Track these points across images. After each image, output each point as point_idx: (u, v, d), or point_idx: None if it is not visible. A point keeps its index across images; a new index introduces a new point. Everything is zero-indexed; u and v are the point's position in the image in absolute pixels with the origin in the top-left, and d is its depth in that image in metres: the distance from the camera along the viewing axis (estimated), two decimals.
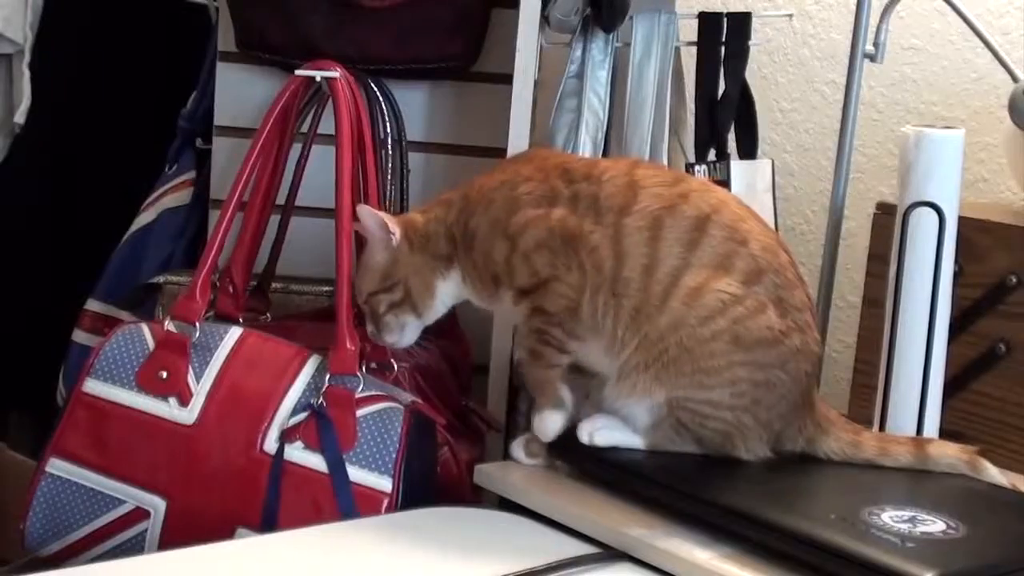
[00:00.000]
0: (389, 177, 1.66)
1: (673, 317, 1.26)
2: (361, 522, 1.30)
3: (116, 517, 1.36)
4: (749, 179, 1.73)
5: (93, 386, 1.38)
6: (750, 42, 1.70)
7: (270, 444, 1.35)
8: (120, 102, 1.99)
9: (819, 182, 1.95)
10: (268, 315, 1.57)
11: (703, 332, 1.25)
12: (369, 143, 1.53)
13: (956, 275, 1.42)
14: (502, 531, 1.24)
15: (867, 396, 1.56)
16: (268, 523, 1.33)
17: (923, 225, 1.38)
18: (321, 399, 1.36)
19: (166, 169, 1.84)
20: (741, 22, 1.70)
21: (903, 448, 1.30)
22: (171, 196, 1.81)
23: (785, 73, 1.98)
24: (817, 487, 1.26)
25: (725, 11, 1.72)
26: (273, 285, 1.62)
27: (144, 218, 1.81)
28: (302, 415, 1.35)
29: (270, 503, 1.34)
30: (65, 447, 1.38)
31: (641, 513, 1.21)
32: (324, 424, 1.35)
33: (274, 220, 1.56)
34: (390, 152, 1.67)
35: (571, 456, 1.30)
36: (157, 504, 1.36)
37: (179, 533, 1.34)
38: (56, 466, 1.37)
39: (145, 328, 1.41)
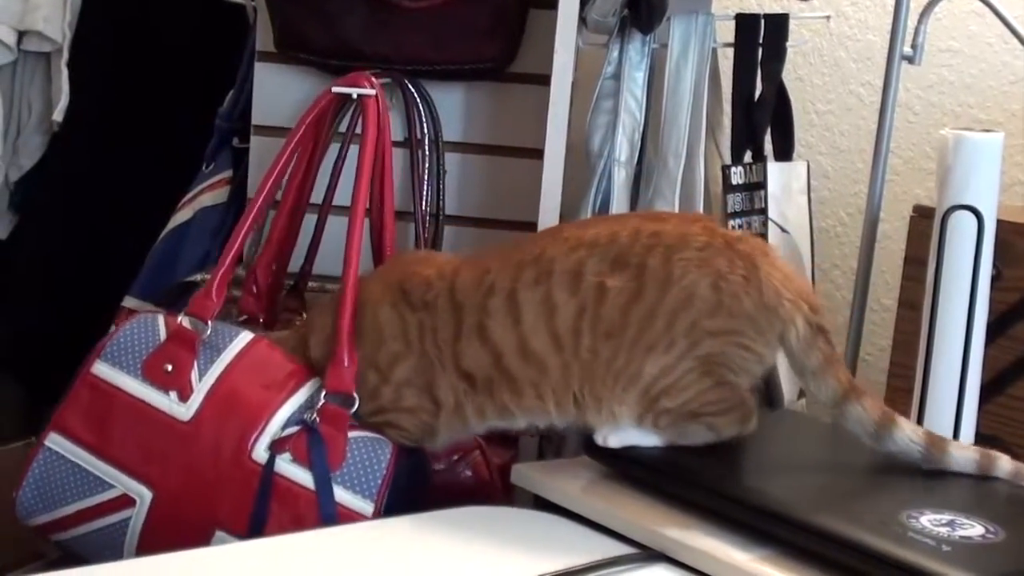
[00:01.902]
0: (426, 178, 1.67)
1: (557, 372, 1.28)
2: (398, 520, 1.30)
3: (104, 500, 1.37)
4: (785, 181, 1.73)
5: (101, 368, 1.39)
6: (787, 43, 1.70)
7: (259, 453, 1.35)
8: (157, 101, 2.00)
9: (854, 184, 1.94)
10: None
11: (584, 360, 1.27)
12: (388, 162, 1.54)
13: (994, 278, 1.42)
14: (539, 531, 1.24)
15: (902, 400, 1.55)
16: (255, 533, 1.34)
17: (961, 228, 1.37)
18: (315, 415, 1.36)
19: (203, 167, 1.84)
20: (778, 24, 1.70)
21: (872, 405, 1.25)
22: (208, 194, 1.82)
23: (821, 75, 1.97)
24: (856, 489, 1.25)
25: (762, 12, 1.72)
26: (309, 284, 1.63)
27: (181, 216, 1.82)
28: (294, 428, 1.36)
29: (258, 513, 1.34)
30: (65, 424, 1.39)
31: (678, 514, 1.21)
32: (315, 439, 1.35)
33: (312, 219, 1.58)
34: (427, 153, 1.68)
35: (608, 457, 1.30)
36: (144, 494, 1.36)
37: (160, 526, 1.36)
38: (55, 441, 1.38)
39: (160, 319, 1.42)
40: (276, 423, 1.36)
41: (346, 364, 1.36)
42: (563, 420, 1.30)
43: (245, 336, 1.41)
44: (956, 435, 1.38)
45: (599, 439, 1.29)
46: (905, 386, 1.52)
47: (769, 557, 1.13)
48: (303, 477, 1.35)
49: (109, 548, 1.38)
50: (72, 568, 1.11)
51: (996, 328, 1.49)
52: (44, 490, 1.38)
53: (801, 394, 1.75)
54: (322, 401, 1.36)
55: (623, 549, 1.18)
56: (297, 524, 1.32)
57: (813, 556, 1.12)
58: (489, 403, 1.32)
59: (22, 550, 1.51)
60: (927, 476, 1.26)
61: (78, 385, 1.40)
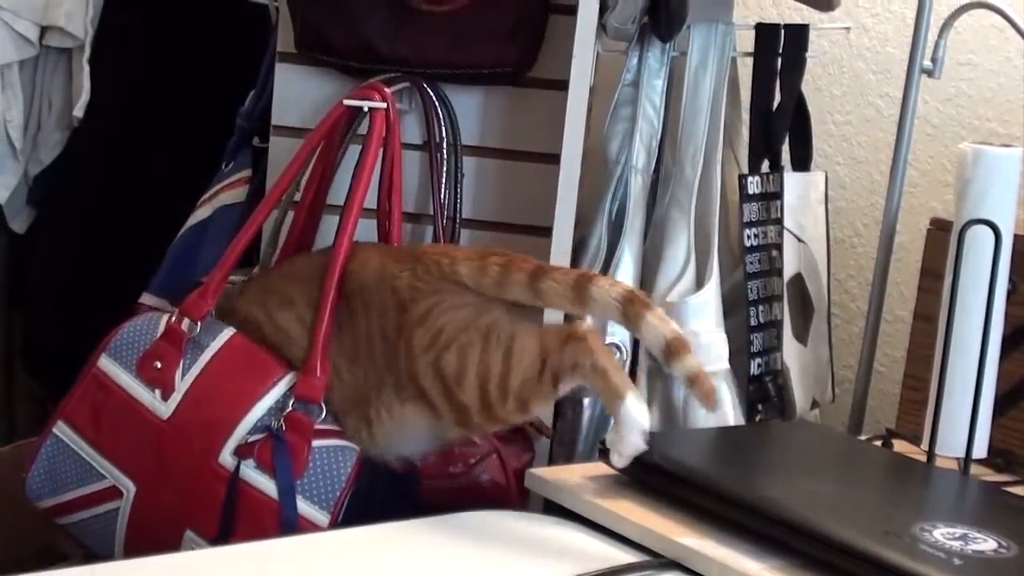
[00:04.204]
0: (444, 181, 1.67)
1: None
2: (407, 524, 1.30)
3: (98, 489, 1.41)
4: (802, 191, 1.73)
5: (104, 363, 1.43)
6: (806, 54, 1.70)
7: (226, 458, 1.37)
8: (178, 99, 2.01)
9: (871, 195, 1.94)
10: None
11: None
12: (398, 168, 1.56)
13: (1010, 293, 1.42)
14: (549, 536, 1.24)
15: (915, 411, 1.56)
16: (222, 539, 1.35)
17: (979, 242, 1.38)
18: (281, 422, 1.37)
19: (223, 166, 1.85)
20: (798, 34, 1.70)
21: (562, 273, 1.28)
22: (227, 193, 1.82)
23: (839, 86, 1.97)
24: (870, 500, 1.26)
25: (782, 23, 1.72)
26: None
27: (200, 214, 1.82)
28: (260, 434, 1.37)
29: (226, 519, 1.35)
30: (71, 414, 1.43)
31: (692, 522, 1.21)
32: (280, 448, 1.36)
33: (332, 221, 1.58)
34: (445, 156, 1.68)
35: None
36: (129, 487, 1.40)
37: (140, 520, 1.39)
38: (61, 429, 1.42)
39: (162, 318, 1.44)
40: (243, 428, 1.37)
41: (318, 374, 1.37)
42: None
43: (226, 333, 1.43)
44: (969, 447, 1.38)
45: (614, 461, 1.29)
46: (919, 398, 1.52)
47: (782, 567, 1.13)
48: (266, 485, 1.36)
49: (103, 536, 1.42)
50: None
51: (1011, 342, 1.49)
52: (50, 475, 1.42)
53: (814, 404, 1.75)
54: (290, 408, 1.37)
55: (635, 556, 1.18)
56: (259, 531, 1.34)
57: (826, 566, 1.12)
58: None
59: (46, 549, 1.53)
60: (941, 489, 1.26)
61: (84, 378, 1.43)
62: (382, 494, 1.41)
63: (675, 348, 1.23)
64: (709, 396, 1.23)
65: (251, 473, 1.36)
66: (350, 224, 1.44)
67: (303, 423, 1.37)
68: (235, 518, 1.35)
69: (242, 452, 1.36)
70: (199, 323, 1.42)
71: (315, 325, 1.38)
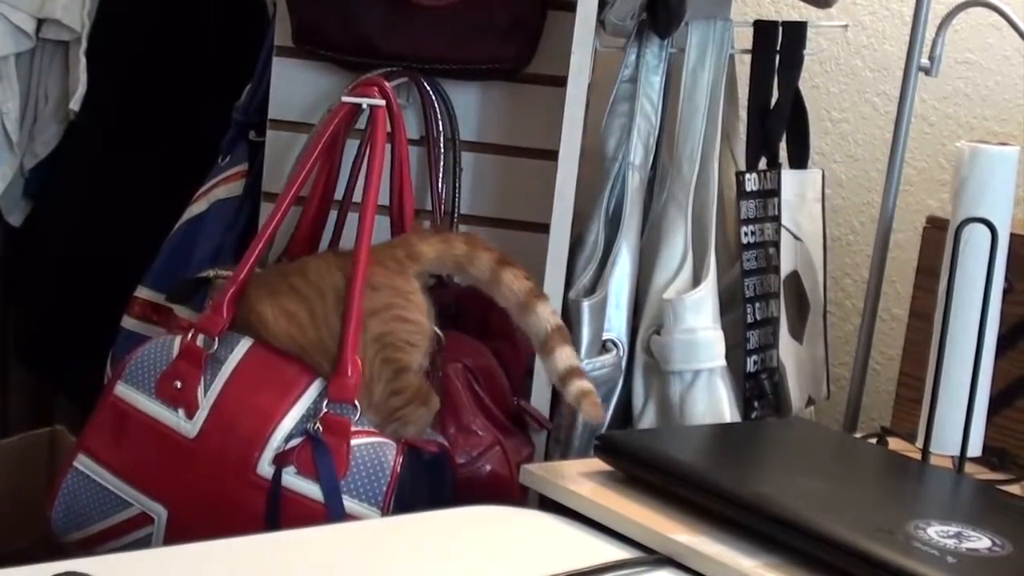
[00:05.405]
0: (441, 176, 1.67)
1: None
2: (400, 519, 1.31)
3: (125, 519, 1.40)
4: (799, 189, 1.73)
5: (122, 389, 1.41)
6: (804, 51, 1.70)
7: (264, 468, 1.36)
8: (175, 92, 2.01)
9: (868, 193, 1.94)
10: None
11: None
12: (406, 164, 1.56)
13: (1006, 291, 1.42)
14: (543, 533, 1.24)
15: (911, 409, 1.56)
16: None
17: (975, 241, 1.38)
18: (318, 424, 1.36)
19: (219, 160, 1.85)
20: (796, 32, 1.70)
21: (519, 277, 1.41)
22: (223, 187, 1.82)
23: (837, 83, 1.97)
24: (864, 498, 1.26)
25: (780, 20, 1.72)
26: None
27: (196, 208, 1.82)
28: (297, 440, 1.36)
29: (271, 529, 1.34)
30: (90, 446, 1.41)
31: (686, 518, 1.21)
32: (320, 450, 1.35)
33: (332, 215, 1.59)
34: (442, 151, 1.68)
35: (616, 458, 1.30)
36: (160, 511, 1.39)
37: (181, 540, 1.35)
38: (82, 462, 1.41)
39: (176, 339, 1.43)
40: (279, 436, 1.37)
41: (349, 374, 1.37)
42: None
43: (244, 344, 1.42)
44: (964, 446, 1.38)
45: None
46: (914, 396, 1.52)
47: (776, 564, 1.13)
48: (310, 489, 1.35)
49: None
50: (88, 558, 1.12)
51: (1007, 341, 1.49)
52: (74, 509, 1.41)
53: (809, 401, 1.75)
54: (324, 410, 1.36)
55: (629, 553, 1.18)
56: None
57: (820, 563, 1.12)
58: None
59: (45, 540, 1.52)
60: (936, 487, 1.27)
61: (101, 407, 1.42)
62: (424, 483, 1.40)
63: (565, 376, 1.39)
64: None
65: (292, 479, 1.35)
66: (367, 225, 1.43)
67: (340, 423, 1.36)
68: (280, 526, 1.34)
69: (280, 460, 1.35)
70: (216, 338, 1.41)
71: (343, 326, 1.38)
